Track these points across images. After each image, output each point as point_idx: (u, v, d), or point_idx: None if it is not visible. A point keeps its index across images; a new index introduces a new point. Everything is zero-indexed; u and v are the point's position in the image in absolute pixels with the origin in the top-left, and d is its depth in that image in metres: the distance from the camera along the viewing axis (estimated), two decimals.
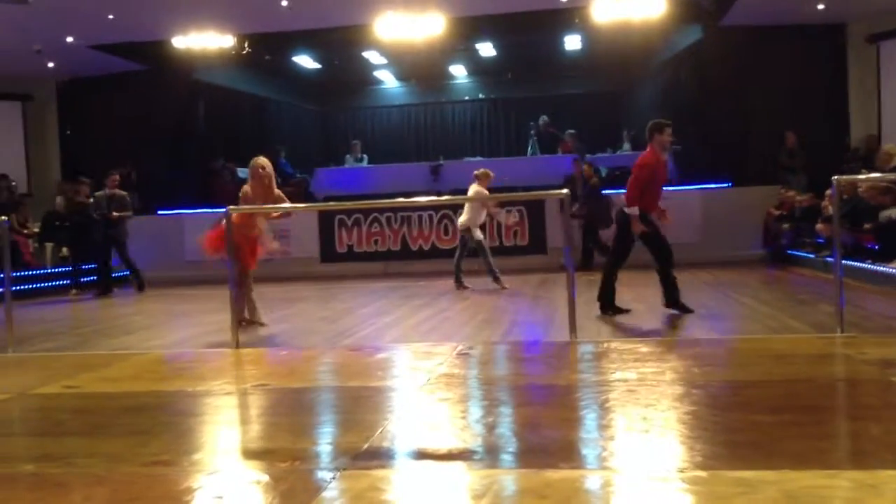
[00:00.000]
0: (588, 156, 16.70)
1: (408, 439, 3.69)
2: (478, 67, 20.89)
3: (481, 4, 14.05)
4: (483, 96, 22.35)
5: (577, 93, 20.75)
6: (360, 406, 4.36)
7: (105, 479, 3.23)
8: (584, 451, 3.42)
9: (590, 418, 3.97)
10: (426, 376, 4.98)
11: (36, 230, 14.41)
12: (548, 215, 14.11)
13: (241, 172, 16.03)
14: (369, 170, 17.37)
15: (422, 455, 3.42)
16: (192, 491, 3.07)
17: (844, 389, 4.54)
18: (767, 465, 3.02)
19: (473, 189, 10.68)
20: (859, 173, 10.97)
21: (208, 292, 11.65)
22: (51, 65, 15.49)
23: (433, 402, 4.42)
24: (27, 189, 16.23)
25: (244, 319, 7.67)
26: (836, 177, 6.32)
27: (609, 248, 12.76)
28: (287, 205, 7.92)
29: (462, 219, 10.86)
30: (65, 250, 14.20)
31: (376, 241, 14.88)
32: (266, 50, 16.42)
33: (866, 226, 10.29)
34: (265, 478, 3.17)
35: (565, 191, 6.61)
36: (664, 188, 7.89)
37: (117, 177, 12.97)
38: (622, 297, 7.80)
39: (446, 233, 14.62)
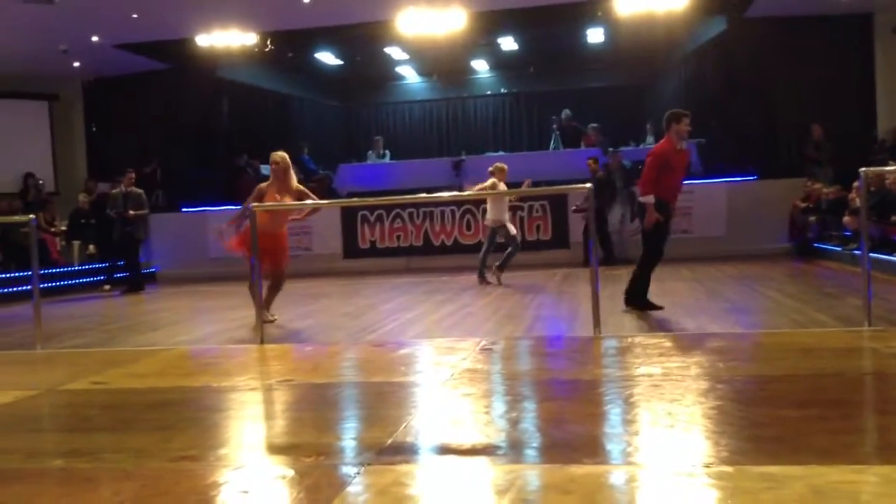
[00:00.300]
0: (611, 149, 16.65)
1: (431, 434, 3.69)
2: (500, 62, 20.83)
3: None
4: (505, 91, 22.27)
5: (599, 86, 20.62)
6: (384, 401, 4.37)
7: (133, 474, 3.26)
8: (609, 447, 3.40)
9: (614, 413, 3.95)
10: (449, 372, 4.98)
11: (63, 228, 14.59)
12: (570, 210, 14.07)
13: (265, 169, 16.12)
14: (392, 166, 17.40)
15: (445, 450, 3.42)
16: (219, 486, 3.10)
17: (872, 383, 4.48)
18: (794, 461, 2.99)
19: (490, 184, 10.62)
20: (887, 165, 10.83)
21: (233, 289, 11.71)
22: (76, 64, 15.66)
23: (456, 397, 4.42)
24: (54, 188, 16.43)
25: (266, 311, 7.70)
26: (863, 169, 6.23)
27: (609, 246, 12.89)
28: (309, 201, 7.93)
29: (489, 216, 10.86)
30: (91, 248, 14.36)
31: (399, 237, 14.90)
32: (289, 47, 16.49)
33: (894, 218, 10.16)
34: (290, 472, 3.18)
35: (588, 185, 6.59)
36: (685, 181, 7.80)
37: (133, 175, 13.05)
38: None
39: (468, 228, 14.63)
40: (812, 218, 12.72)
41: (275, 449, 3.67)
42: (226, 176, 17.02)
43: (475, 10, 13.94)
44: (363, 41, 16.67)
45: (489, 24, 15.16)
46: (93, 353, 6.75)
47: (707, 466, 2.99)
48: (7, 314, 10.43)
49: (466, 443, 3.51)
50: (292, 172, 7.98)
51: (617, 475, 3.03)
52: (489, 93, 22.43)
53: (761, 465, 2.95)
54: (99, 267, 13.89)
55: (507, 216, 10.89)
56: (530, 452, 3.38)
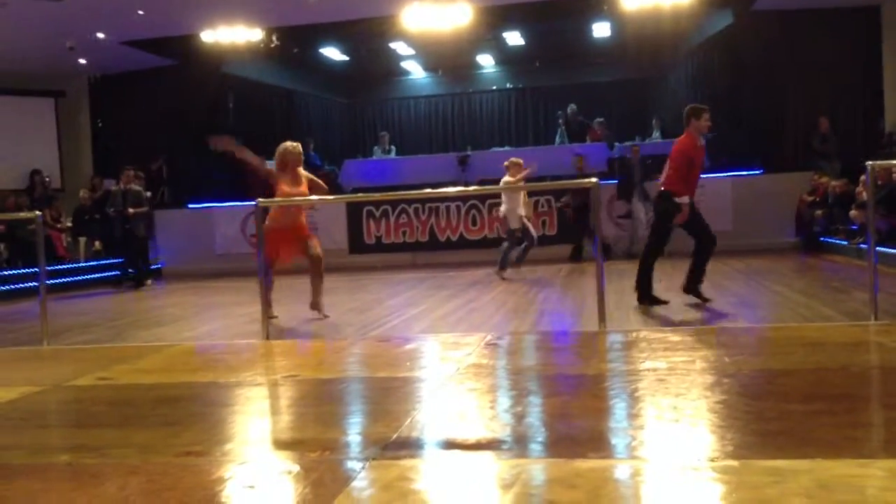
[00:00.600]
0: (617, 144, 16.63)
1: (436, 429, 3.69)
2: (505, 56, 20.80)
3: None
4: (511, 86, 22.25)
5: (605, 80, 20.58)
6: (389, 396, 4.38)
7: (139, 470, 3.27)
8: (614, 441, 3.40)
9: (619, 408, 3.95)
10: (455, 366, 4.98)
11: (69, 225, 14.63)
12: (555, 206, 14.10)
13: (270, 165, 16.12)
14: (397, 161, 17.40)
15: (450, 445, 3.42)
16: (224, 481, 3.10)
17: (878, 377, 4.46)
18: (800, 454, 2.98)
19: (504, 181, 10.62)
20: (894, 158, 10.79)
21: (238, 285, 11.77)
22: (83, 61, 15.69)
23: (462, 392, 4.42)
24: (60, 184, 16.47)
25: (318, 306, 7.76)
26: (870, 162, 6.20)
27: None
28: (314, 197, 7.93)
29: (503, 209, 10.84)
30: (98, 244, 14.40)
31: (404, 232, 14.91)
32: (294, 43, 16.49)
33: None
34: (296, 468, 3.19)
35: (594, 179, 6.57)
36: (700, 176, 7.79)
37: (132, 172, 13.03)
38: (653, 284, 7.71)
39: (474, 223, 14.63)
40: (819, 212, 12.68)
41: (280, 444, 3.67)
42: (231, 172, 17.03)
43: (481, 4, 13.92)
44: (368, 36, 16.66)
45: (495, 18, 15.13)
46: (99, 349, 6.76)
47: (712, 461, 2.99)
48: (14, 311, 10.47)
49: (471, 437, 3.51)
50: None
51: (622, 469, 3.03)
52: (495, 88, 22.41)
53: (767, 460, 2.94)
54: (104, 263, 13.92)
55: (520, 208, 10.88)
56: (535, 447, 3.38)
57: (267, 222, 7.55)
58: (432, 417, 3.90)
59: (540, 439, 3.49)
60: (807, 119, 14.10)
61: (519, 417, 3.83)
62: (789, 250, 12.90)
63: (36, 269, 7.17)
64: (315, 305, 7.79)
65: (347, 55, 18.97)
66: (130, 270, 13.08)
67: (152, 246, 13.83)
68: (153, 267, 13.43)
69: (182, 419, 4.10)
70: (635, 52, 18.63)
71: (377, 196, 13.01)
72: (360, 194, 14.49)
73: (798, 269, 10.68)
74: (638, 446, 3.26)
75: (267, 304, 7.54)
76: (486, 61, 21.47)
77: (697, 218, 7.40)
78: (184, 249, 15.21)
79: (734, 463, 2.94)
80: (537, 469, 3.09)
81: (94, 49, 14.87)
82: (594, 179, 6.57)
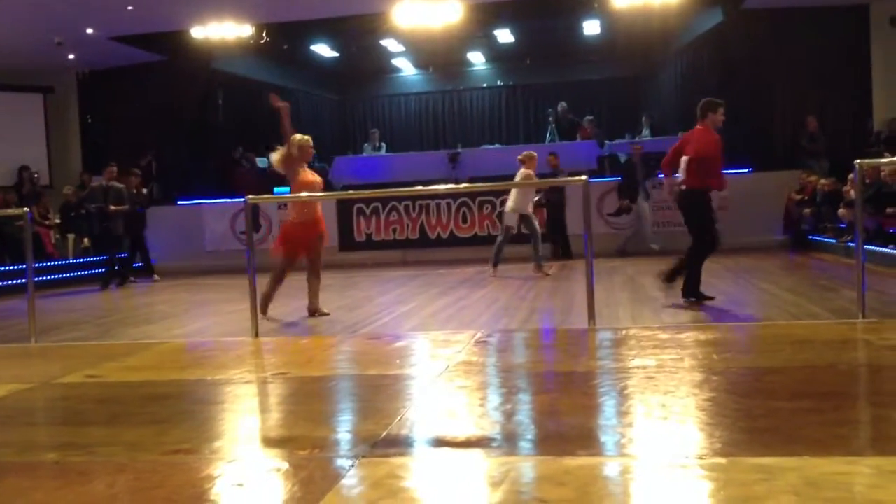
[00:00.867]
0: (607, 142, 16.66)
1: (426, 427, 3.70)
2: (496, 54, 20.82)
3: None
4: (501, 83, 22.26)
5: (596, 78, 20.62)
6: (379, 394, 4.38)
7: (127, 468, 3.26)
8: (603, 438, 3.41)
9: (608, 405, 3.96)
10: (445, 364, 4.98)
11: (57, 221, 14.55)
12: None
13: (261, 162, 16.11)
14: (387, 158, 17.38)
15: (440, 442, 3.43)
16: (213, 479, 3.10)
17: (866, 375, 4.49)
18: (787, 452, 3.00)
19: (521, 174, 10.56)
20: (882, 157, 10.85)
21: (228, 282, 11.73)
22: (71, 57, 15.60)
23: (451, 389, 4.42)
24: (49, 181, 16.38)
25: (317, 310, 7.74)
26: (858, 161, 6.23)
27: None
28: (304, 194, 7.92)
29: (510, 205, 10.80)
30: (87, 241, 14.33)
31: (395, 230, 14.90)
32: (284, 39, 16.45)
33: (889, 210, 10.18)
34: (285, 465, 3.19)
35: (584, 177, 6.57)
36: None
37: (115, 169, 12.91)
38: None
39: (464, 221, 14.62)
40: (807, 210, 12.73)
41: (269, 442, 3.67)
42: (221, 168, 17.00)
43: (471, 1, 13.92)
44: (359, 33, 16.63)
45: (485, 16, 15.13)
46: (88, 347, 6.74)
47: (701, 458, 3.00)
48: (2, 308, 10.41)
49: (461, 435, 3.51)
50: None
51: (611, 467, 3.04)
52: (485, 85, 22.42)
53: (755, 457, 2.96)
54: (92, 260, 13.85)
55: (528, 204, 10.86)
56: (525, 444, 3.39)
57: (291, 216, 7.56)
58: (422, 415, 3.90)
59: (529, 437, 3.50)
60: (795, 117, 14.15)
61: (508, 415, 3.83)
62: (778, 248, 12.95)
63: (24, 266, 7.13)
64: (314, 310, 7.77)
65: (338, 52, 18.93)
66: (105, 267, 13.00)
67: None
68: (135, 265, 13.30)
69: (171, 417, 4.09)
70: (625, 50, 18.69)
71: (367, 193, 12.96)
72: (350, 191, 14.44)
73: (786, 268, 10.73)
74: (627, 444, 3.28)
75: (268, 301, 7.55)
76: (477, 59, 21.47)
77: (709, 216, 7.35)
78: (173, 246, 15.15)
79: (722, 460, 2.96)
80: (526, 466, 3.10)
81: (82, 44, 14.79)
82: (584, 177, 6.58)
